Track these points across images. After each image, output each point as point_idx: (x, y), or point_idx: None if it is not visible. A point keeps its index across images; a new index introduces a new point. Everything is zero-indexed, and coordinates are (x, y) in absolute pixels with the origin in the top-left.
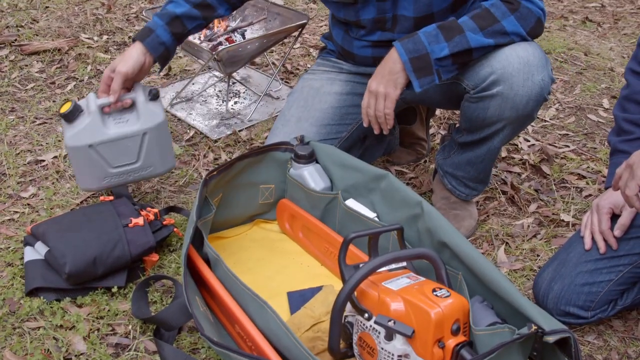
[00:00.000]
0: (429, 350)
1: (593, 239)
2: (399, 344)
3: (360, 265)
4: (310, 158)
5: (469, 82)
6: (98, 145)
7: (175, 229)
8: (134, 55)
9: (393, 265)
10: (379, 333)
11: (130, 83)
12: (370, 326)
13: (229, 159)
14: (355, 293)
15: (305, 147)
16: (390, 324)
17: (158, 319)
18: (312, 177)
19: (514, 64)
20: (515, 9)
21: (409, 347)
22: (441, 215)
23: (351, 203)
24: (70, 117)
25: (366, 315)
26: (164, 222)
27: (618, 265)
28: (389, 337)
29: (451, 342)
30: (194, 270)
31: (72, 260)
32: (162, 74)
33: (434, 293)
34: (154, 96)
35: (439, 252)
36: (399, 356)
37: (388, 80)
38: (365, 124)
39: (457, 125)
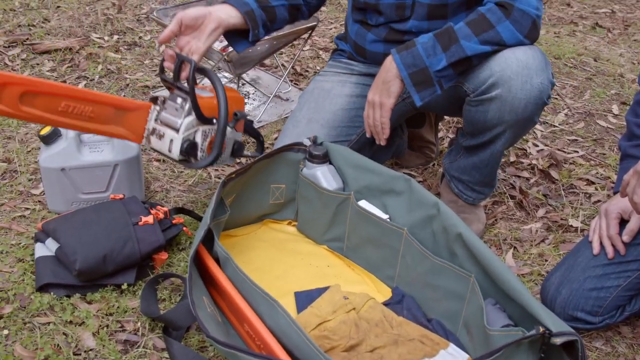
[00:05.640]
0: None
1: (601, 244)
2: None
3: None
4: (324, 158)
5: (470, 86)
6: (70, 169)
7: (184, 228)
8: (207, 7)
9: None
10: None
11: (190, 32)
12: None
13: (238, 160)
14: None
15: (319, 147)
16: None
17: (166, 318)
18: (325, 177)
19: (513, 67)
20: (509, 13)
21: None
22: (456, 215)
23: (363, 204)
24: (48, 139)
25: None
26: (174, 221)
27: (626, 270)
28: None
29: None
30: (203, 269)
31: (83, 257)
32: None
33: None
34: None
35: (452, 253)
36: None
37: (382, 89)
38: (367, 135)
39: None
